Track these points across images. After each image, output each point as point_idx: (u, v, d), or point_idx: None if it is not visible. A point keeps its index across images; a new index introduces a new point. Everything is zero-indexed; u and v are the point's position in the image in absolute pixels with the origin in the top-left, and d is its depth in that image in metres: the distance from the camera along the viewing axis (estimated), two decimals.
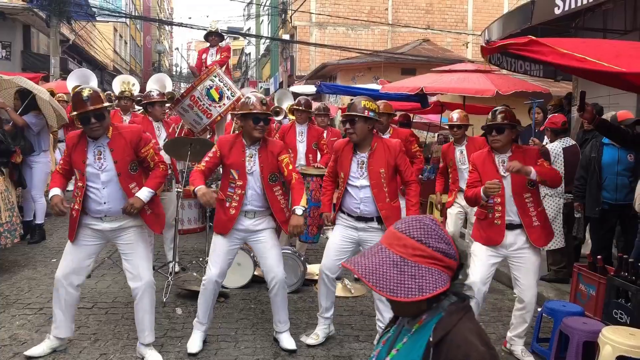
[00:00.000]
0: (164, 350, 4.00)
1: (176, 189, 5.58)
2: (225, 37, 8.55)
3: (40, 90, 6.82)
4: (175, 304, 4.96)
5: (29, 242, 6.82)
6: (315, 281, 5.72)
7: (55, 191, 3.76)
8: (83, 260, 3.85)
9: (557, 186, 4.28)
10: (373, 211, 4.04)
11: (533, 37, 3.79)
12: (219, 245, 4.06)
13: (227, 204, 4.00)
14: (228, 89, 6.14)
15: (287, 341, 4.13)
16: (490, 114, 4.05)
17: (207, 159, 4.05)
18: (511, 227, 3.93)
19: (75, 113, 3.65)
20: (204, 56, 8.63)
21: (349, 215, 4.09)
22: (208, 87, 6.04)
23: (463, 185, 5.43)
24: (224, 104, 6.07)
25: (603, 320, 3.99)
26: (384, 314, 4.08)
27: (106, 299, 5.08)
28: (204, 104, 6.00)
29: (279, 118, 8.49)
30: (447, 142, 6.28)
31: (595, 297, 4.29)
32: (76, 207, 3.74)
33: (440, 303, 1.50)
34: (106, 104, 3.65)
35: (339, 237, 4.14)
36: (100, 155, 3.71)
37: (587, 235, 6.15)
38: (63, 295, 3.82)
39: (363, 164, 4.02)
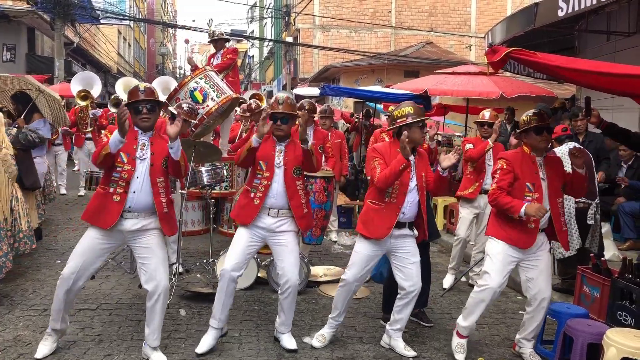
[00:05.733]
0: (167, 351, 4.01)
1: (180, 191, 5.59)
2: (229, 39, 8.54)
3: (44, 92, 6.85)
4: (179, 306, 4.97)
5: None
6: (319, 283, 5.73)
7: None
8: (92, 262, 3.83)
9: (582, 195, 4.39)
10: (412, 216, 4.05)
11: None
12: (238, 238, 4.10)
13: (252, 195, 4.06)
14: (214, 91, 6.15)
15: (289, 341, 4.15)
16: (534, 115, 3.96)
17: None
18: (541, 230, 3.93)
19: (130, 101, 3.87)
20: (211, 61, 8.63)
21: None
22: (192, 89, 6.08)
23: (488, 183, 5.43)
24: (207, 105, 6.08)
25: (607, 322, 3.99)
26: (405, 317, 4.17)
27: (110, 300, 5.09)
28: None
29: None
30: (474, 137, 6.16)
31: (600, 299, 4.29)
32: (119, 190, 3.73)
33: None
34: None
35: (372, 249, 4.05)
36: (144, 146, 3.83)
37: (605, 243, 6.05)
38: (63, 293, 3.80)
39: (411, 167, 4.00)
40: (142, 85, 3.93)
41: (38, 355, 3.85)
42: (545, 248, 3.97)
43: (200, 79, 6.06)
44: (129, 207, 3.75)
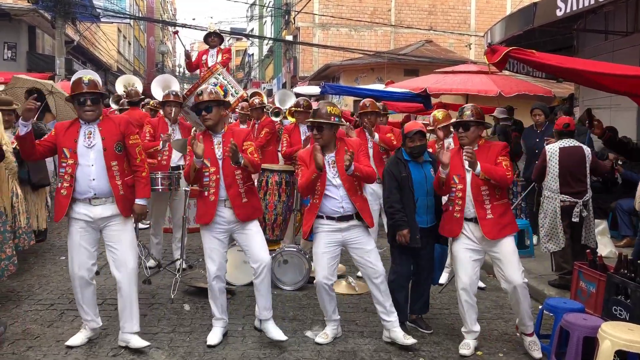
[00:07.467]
0: (173, 344, 4.10)
1: (184, 188, 5.67)
2: (224, 38, 8.65)
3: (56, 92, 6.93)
4: (183, 301, 5.06)
5: (37, 241, 6.90)
6: None
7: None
8: (88, 250, 3.99)
9: (503, 186, 4.05)
10: (351, 208, 4.15)
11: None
12: (208, 242, 4.19)
13: (206, 193, 4.14)
14: (232, 87, 6.24)
15: (275, 332, 4.17)
16: (458, 111, 4.20)
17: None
18: (468, 220, 4.08)
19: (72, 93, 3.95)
20: (204, 57, 8.67)
21: (329, 218, 4.16)
22: (213, 84, 6.14)
23: None
24: (228, 101, 6.16)
25: (603, 317, 4.07)
26: (385, 304, 4.25)
27: (115, 295, 5.13)
28: None
29: (278, 119, 8.61)
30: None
31: (595, 294, 4.38)
32: (65, 184, 3.87)
33: None
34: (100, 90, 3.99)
35: (325, 245, 4.18)
36: (91, 134, 3.92)
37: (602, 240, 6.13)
38: (78, 289, 4.01)
39: (333, 164, 4.15)
40: (86, 77, 3.98)
41: (68, 342, 4.04)
42: (502, 239, 4.03)
43: (219, 74, 6.17)
44: (95, 194, 3.88)
